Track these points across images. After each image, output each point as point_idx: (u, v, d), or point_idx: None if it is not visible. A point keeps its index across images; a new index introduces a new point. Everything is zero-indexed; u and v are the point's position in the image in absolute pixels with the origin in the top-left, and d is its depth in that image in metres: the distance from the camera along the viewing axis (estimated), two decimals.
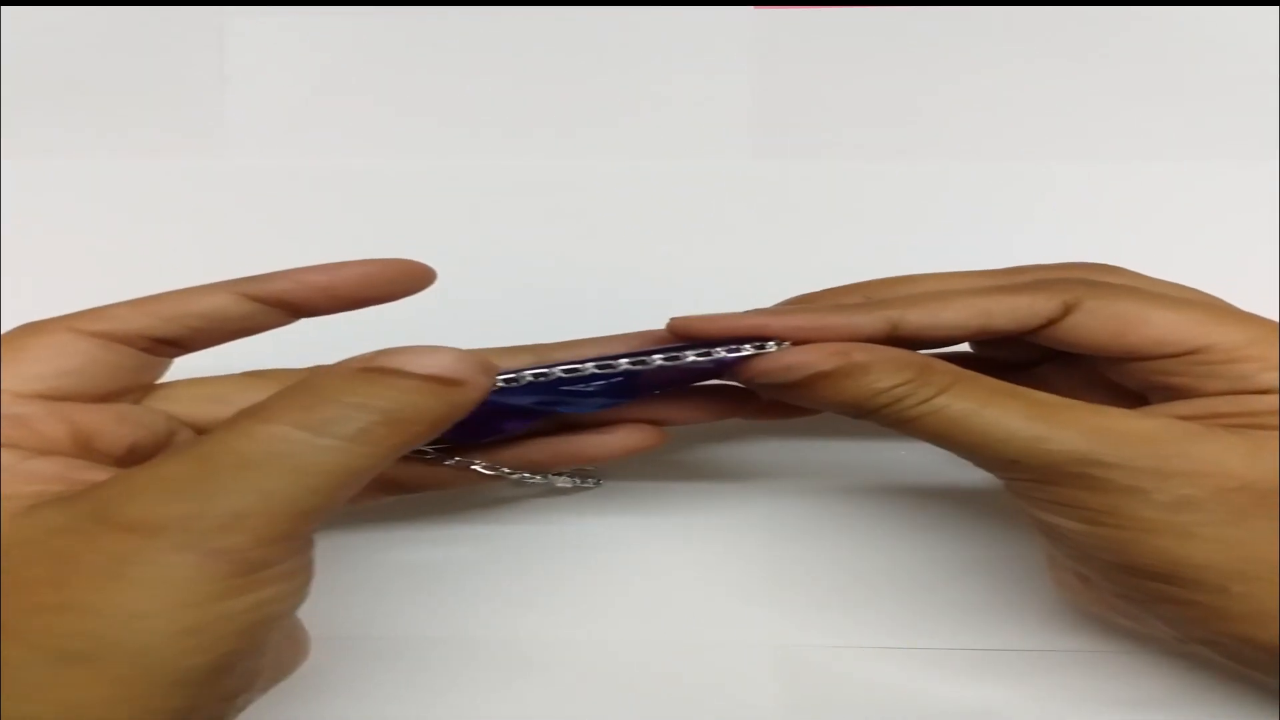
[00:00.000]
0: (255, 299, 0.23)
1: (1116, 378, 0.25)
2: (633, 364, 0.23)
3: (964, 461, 0.26)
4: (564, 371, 0.24)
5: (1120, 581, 0.23)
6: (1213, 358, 0.23)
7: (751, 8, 0.33)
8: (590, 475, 0.31)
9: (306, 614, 0.30)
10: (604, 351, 0.25)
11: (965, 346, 0.28)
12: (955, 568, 0.30)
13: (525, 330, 0.28)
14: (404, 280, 0.24)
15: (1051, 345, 0.24)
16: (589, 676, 0.30)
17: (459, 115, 0.34)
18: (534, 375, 0.23)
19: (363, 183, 0.33)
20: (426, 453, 0.27)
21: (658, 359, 0.24)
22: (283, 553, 0.20)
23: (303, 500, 0.20)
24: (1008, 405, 0.23)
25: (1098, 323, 0.24)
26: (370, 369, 0.21)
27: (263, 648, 0.21)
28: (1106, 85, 0.33)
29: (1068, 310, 0.24)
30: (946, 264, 0.28)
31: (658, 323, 0.28)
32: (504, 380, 0.23)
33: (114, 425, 0.23)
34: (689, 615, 0.31)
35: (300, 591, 0.21)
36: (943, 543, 0.31)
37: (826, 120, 0.33)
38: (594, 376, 0.24)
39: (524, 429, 0.27)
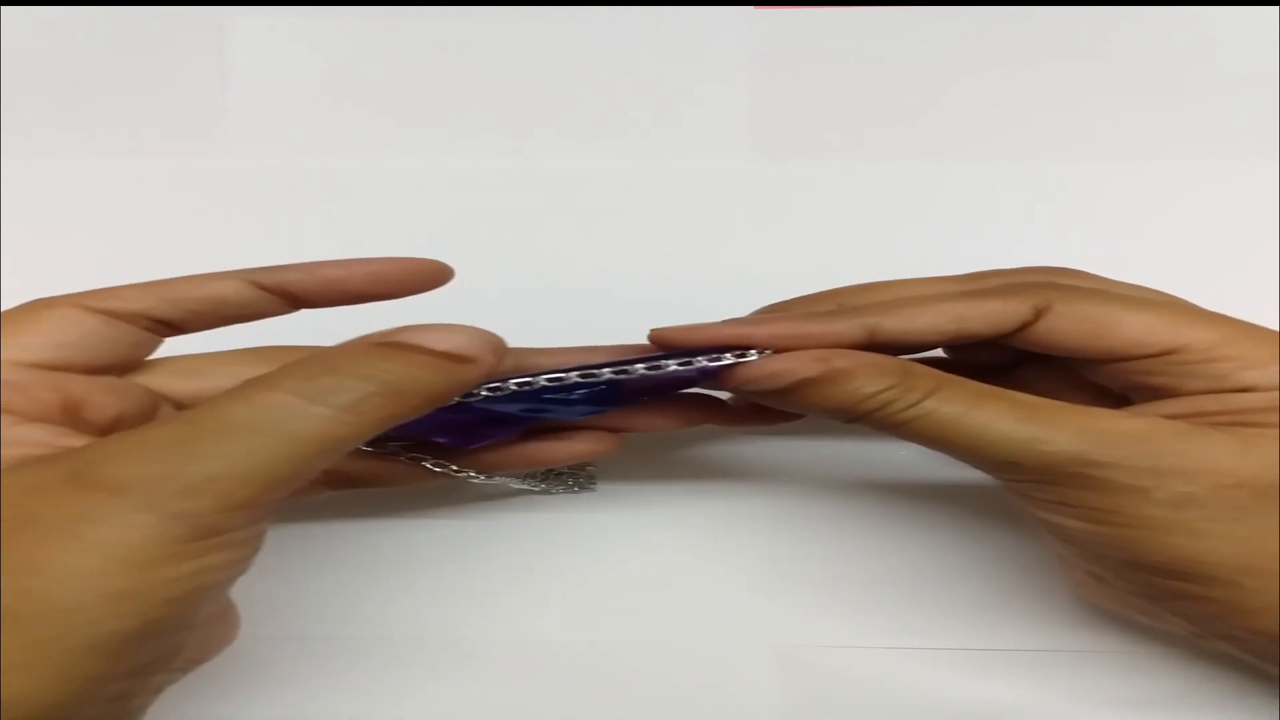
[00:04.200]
0: (261, 287, 0.24)
1: (1095, 378, 0.25)
2: (615, 373, 0.24)
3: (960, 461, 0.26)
4: (548, 380, 0.24)
5: (1134, 579, 0.23)
6: (1189, 357, 0.23)
7: (751, 8, 0.33)
8: (586, 481, 0.31)
9: (296, 612, 0.30)
10: (587, 360, 0.26)
11: (938, 352, 0.28)
12: (956, 567, 0.30)
13: (524, 330, 0.28)
14: (415, 279, 0.25)
15: (1027, 348, 0.25)
16: (588, 678, 0.30)
17: (458, 115, 0.34)
18: (518, 385, 0.24)
19: (363, 183, 0.33)
20: (385, 447, 0.27)
21: (640, 368, 0.24)
22: (239, 520, 0.20)
23: (277, 467, 0.20)
24: (997, 407, 0.23)
25: (1071, 325, 0.24)
26: (384, 344, 0.21)
27: (191, 619, 0.21)
28: (1106, 85, 0.33)
29: (1039, 314, 0.24)
30: (947, 264, 0.28)
31: (656, 322, 0.28)
32: (488, 390, 0.24)
33: (103, 396, 0.24)
34: (689, 616, 0.31)
35: (244, 563, 0.21)
36: (943, 542, 0.31)
37: (826, 120, 0.33)
38: (577, 385, 0.24)
39: (513, 435, 0.27)
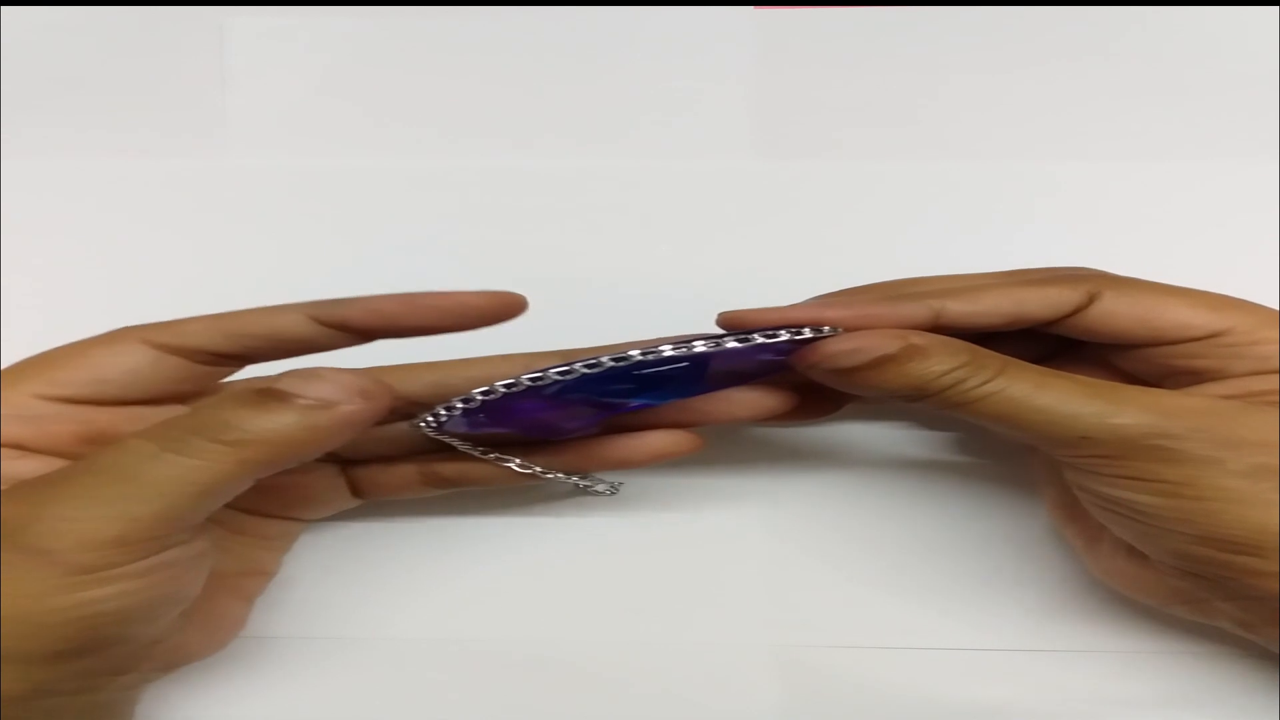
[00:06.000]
0: (322, 323, 0.24)
1: (1130, 367, 0.26)
2: (707, 345, 0.24)
3: (963, 461, 0.26)
4: (641, 354, 0.24)
5: (1196, 557, 0.23)
6: (1236, 339, 0.24)
7: (751, 8, 0.33)
8: (610, 481, 0.31)
9: (296, 612, 0.31)
10: (535, 365, 0.25)
11: None
12: (956, 567, 0.30)
13: (524, 330, 0.28)
14: (483, 313, 0.24)
15: (1075, 334, 0.25)
16: (588, 677, 0.30)
17: (458, 116, 0.34)
18: (613, 360, 0.24)
19: (363, 183, 0.33)
20: (474, 449, 0.28)
21: (730, 341, 0.24)
22: (122, 556, 0.21)
23: (133, 508, 0.21)
24: (1064, 385, 0.23)
25: (1123, 309, 0.25)
26: (256, 391, 0.22)
27: (121, 637, 0.22)
28: (1106, 85, 0.33)
29: (1092, 299, 0.25)
30: (946, 264, 0.28)
31: (656, 323, 0.28)
32: (585, 366, 0.24)
33: (131, 428, 0.24)
34: (689, 615, 0.31)
35: (150, 590, 0.22)
36: (944, 542, 0.31)
37: (826, 120, 0.33)
38: (671, 359, 0.24)
39: (594, 427, 0.27)
